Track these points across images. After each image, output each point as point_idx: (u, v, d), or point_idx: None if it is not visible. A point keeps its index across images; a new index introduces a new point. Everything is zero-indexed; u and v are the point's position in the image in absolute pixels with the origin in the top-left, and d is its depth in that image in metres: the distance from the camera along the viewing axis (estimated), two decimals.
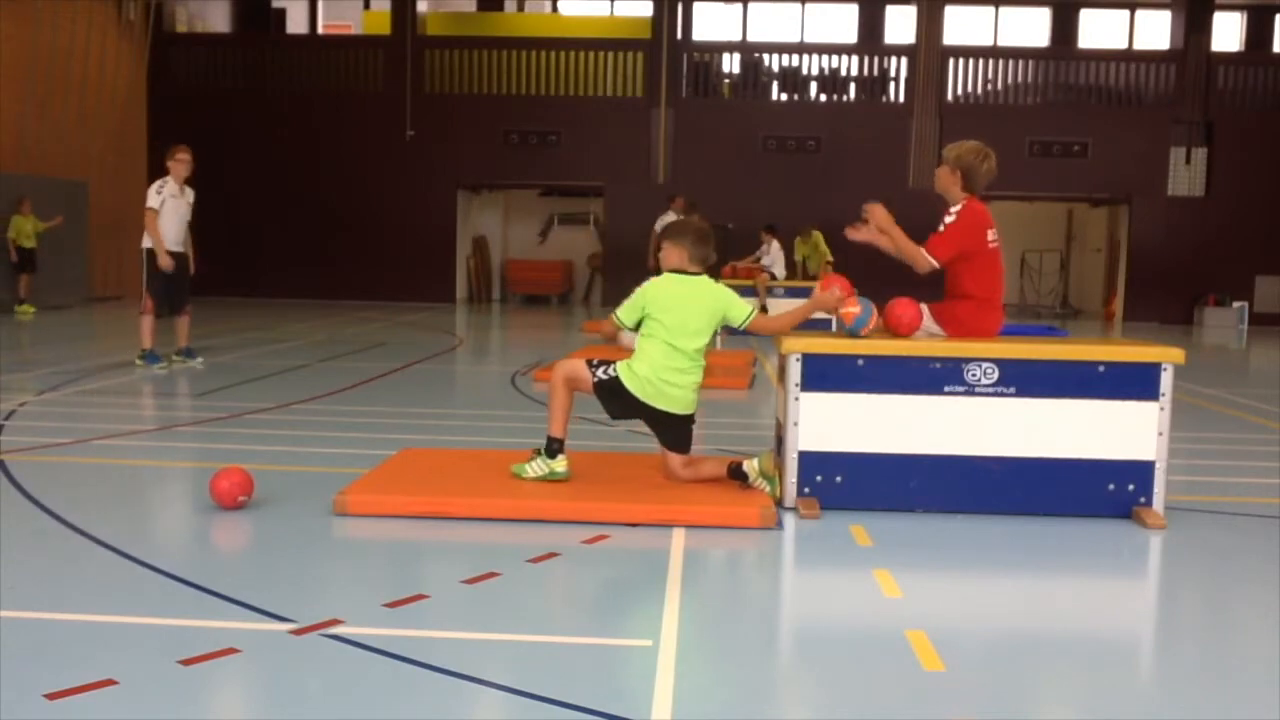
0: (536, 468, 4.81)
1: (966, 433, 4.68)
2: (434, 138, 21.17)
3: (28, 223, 15.69)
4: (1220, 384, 10.07)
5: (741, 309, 4.88)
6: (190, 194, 9.40)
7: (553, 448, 4.80)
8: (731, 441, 6.25)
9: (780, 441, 4.90)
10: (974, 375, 4.66)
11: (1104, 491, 4.68)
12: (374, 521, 4.40)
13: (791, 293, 15.48)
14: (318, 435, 6.46)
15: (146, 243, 9.05)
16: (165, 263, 8.92)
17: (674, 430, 4.84)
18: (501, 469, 5.02)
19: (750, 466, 4.70)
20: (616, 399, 4.80)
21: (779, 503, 4.71)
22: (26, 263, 15.70)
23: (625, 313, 4.85)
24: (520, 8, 24.46)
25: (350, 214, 21.04)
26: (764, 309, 13.91)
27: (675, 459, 4.84)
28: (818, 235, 15.90)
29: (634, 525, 4.39)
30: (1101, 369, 4.64)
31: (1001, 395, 4.66)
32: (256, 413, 7.09)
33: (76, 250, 17.36)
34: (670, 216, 15.34)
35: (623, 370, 4.76)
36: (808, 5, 22.49)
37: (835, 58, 21.60)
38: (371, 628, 3.16)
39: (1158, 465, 4.65)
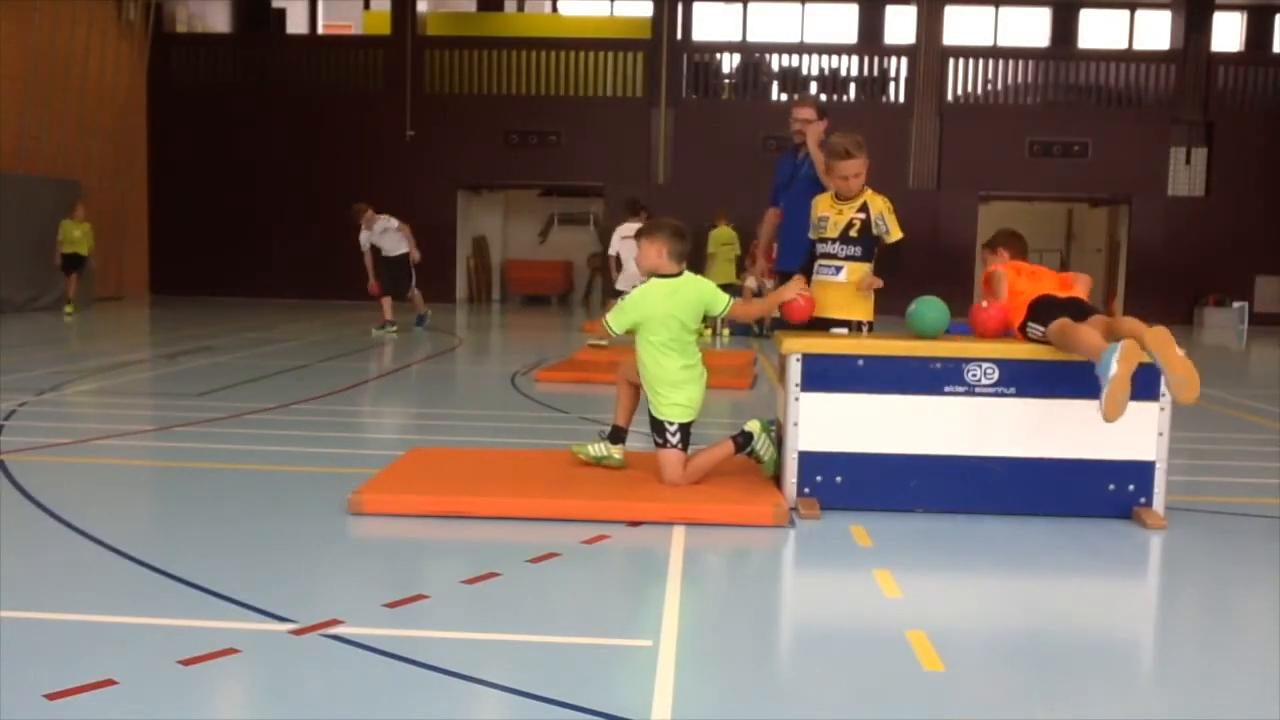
0: (597, 449, 5.11)
1: (966, 433, 4.68)
2: (434, 138, 21.15)
3: (77, 228, 16.09)
4: (1220, 384, 10.06)
5: (721, 299, 5.02)
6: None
7: (615, 435, 5.11)
8: None
9: (780, 441, 4.90)
10: (974, 375, 4.66)
11: (1104, 491, 4.67)
12: (374, 521, 4.41)
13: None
14: (318, 435, 6.46)
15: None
16: None
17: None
18: (515, 467, 5.07)
19: (751, 425, 4.95)
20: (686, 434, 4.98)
21: (777, 480, 4.82)
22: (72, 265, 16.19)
23: (615, 319, 4.97)
24: (520, 8, 24.44)
25: (350, 214, 21.01)
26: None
27: (675, 456, 4.85)
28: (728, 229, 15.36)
29: (643, 524, 4.40)
30: None
31: (1001, 395, 4.66)
32: (256, 413, 7.09)
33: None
34: (629, 226, 15.09)
35: (675, 415, 4.89)
36: (808, 5, 22.48)
37: (835, 58, 21.59)
38: (371, 628, 3.16)
39: (1158, 465, 4.65)
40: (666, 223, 5.06)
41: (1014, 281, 5.00)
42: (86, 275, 16.65)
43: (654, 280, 4.95)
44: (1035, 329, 4.73)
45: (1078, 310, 4.71)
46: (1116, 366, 4.21)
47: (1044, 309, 4.74)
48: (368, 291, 13.68)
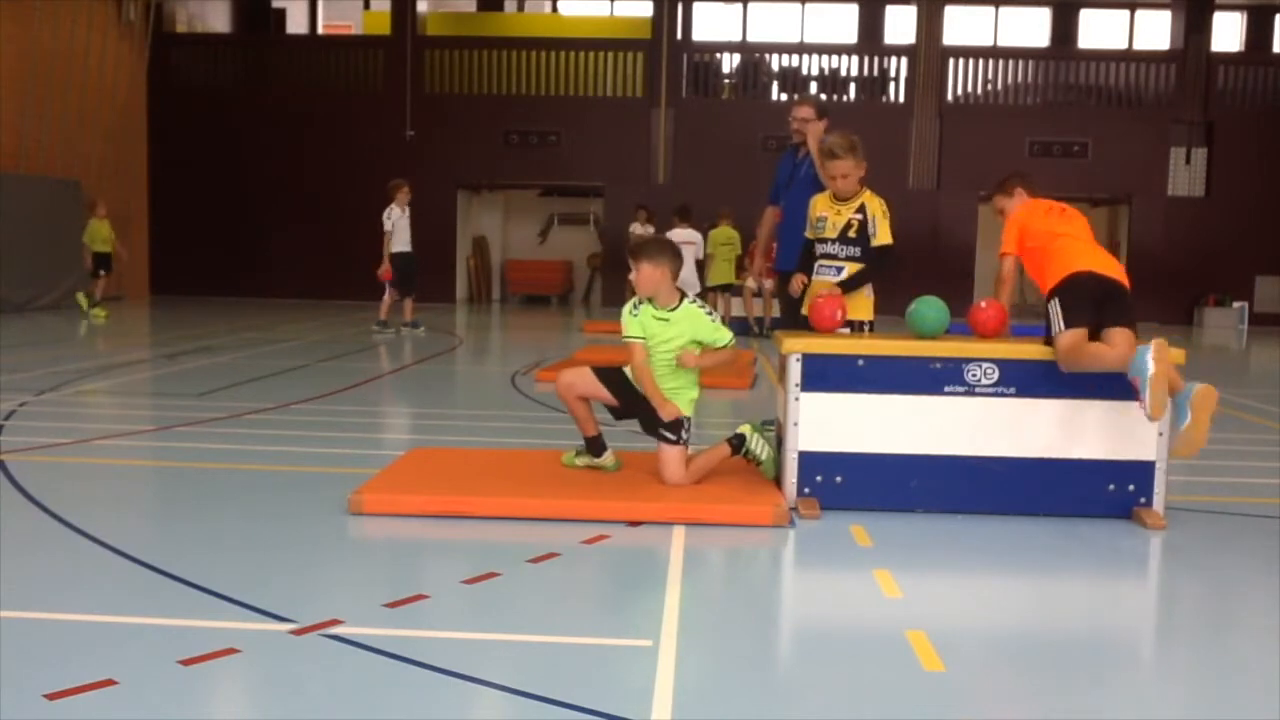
0: (585, 460, 5.08)
1: (966, 433, 4.67)
2: (434, 138, 21.16)
3: (104, 227, 15.55)
4: (1220, 384, 10.03)
5: (723, 336, 4.95)
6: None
7: (593, 448, 5.04)
8: None
9: (780, 441, 4.90)
10: (974, 375, 4.66)
11: (1104, 491, 4.67)
12: (374, 521, 4.41)
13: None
14: (318, 435, 6.45)
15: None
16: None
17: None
18: (515, 467, 5.08)
19: (744, 428, 4.98)
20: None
21: (777, 480, 4.82)
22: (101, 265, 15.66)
23: (632, 328, 4.91)
24: (520, 8, 24.45)
25: (350, 214, 21.01)
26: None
27: (680, 453, 4.84)
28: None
29: (643, 524, 4.40)
30: None
31: (1002, 395, 4.66)
32: (256, 413, 7.09)
33: (76, 250, 17.31)
34: (638, 227, 15.05)
35: (690, 410, 4.95)
36: (808, 5, 22.49)
37: (835, 58, 21.59)
38: (371, 628, 3.16)
39: (1158, 465, 4.65)
40: (665, 243, 4.96)
41: (1054, 225, 4.84)
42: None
43: (647, 310, 4.86)
44: (1055, 317, 4.58)
45: (1114, 301, 4.57)
46: (1154, 365, 4.28)
47: (1078, 299, 4.56)
48: (378, 278, 13.05)
